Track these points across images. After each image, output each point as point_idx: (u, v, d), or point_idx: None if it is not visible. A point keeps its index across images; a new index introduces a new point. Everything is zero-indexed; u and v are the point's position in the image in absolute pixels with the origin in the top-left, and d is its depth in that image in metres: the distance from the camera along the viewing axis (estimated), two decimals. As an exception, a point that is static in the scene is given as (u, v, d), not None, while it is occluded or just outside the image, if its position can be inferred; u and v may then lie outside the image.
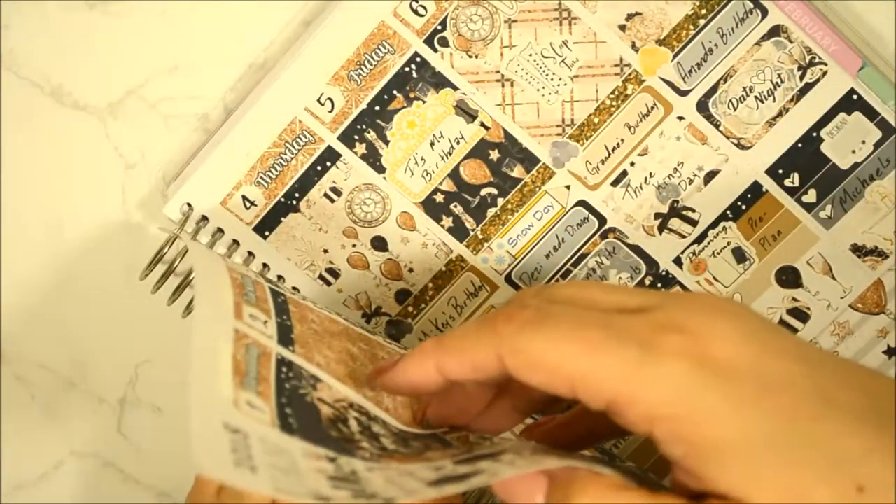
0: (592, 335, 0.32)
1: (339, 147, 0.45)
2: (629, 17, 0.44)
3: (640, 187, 0.45)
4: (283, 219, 0.45)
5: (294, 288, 0.46)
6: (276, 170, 0.45)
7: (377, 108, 0.44)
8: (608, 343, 0.31)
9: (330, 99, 0.44)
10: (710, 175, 0.45)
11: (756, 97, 0.45)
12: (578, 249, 0.46)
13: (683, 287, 0.46)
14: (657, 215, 0.46)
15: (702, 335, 0.31)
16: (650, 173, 0.45)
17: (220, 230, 0.45)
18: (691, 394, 0.30)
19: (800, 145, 0.45)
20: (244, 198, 0.45)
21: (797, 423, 0.30)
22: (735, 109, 0.45)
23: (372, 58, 0.44)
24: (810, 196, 0.46)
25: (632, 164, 0.45)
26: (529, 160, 0.45)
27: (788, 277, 0.46)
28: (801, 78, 0.44)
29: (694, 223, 0.46)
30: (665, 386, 0.30)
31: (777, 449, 0.30)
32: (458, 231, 0.46)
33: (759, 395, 0.30)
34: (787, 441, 0.30)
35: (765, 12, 0.44)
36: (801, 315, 0.47)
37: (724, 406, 0.30)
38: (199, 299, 0.34)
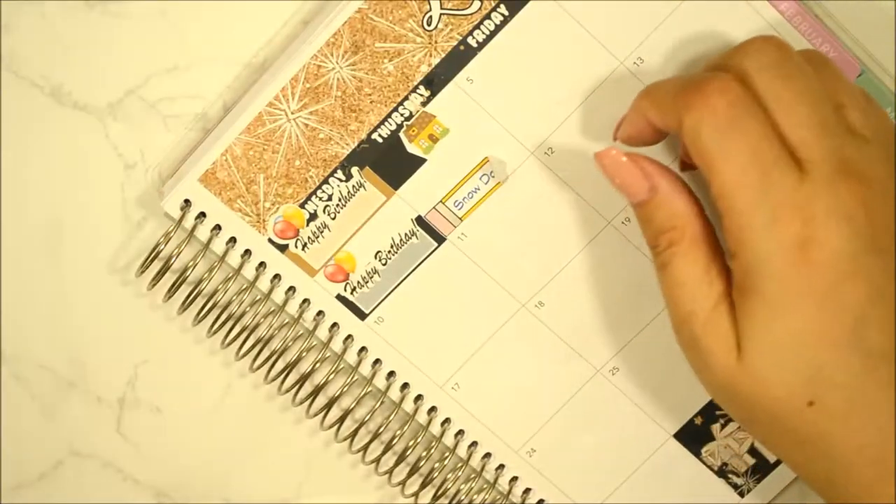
0: (765, 160, 0.35)
1: (338, 145, 0.45)
2: None
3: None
4: (281, 217, 0.46)
5: (291, 287, 0.46)
6: (274, 168, 0.45)
7: (375, 106, 0.45)
8: (768, 177, 0.35)
9: (327, 97, 0.44)
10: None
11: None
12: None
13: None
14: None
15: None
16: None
17: (217, 227, 0.45)
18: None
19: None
20: (242, 196, 0.45)
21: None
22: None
23: (369, 55, 0.44)
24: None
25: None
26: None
27: None
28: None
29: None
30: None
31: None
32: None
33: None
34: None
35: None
36: None
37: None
38: None
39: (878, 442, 0.35)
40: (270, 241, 0.46)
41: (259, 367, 0.47)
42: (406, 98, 0.44)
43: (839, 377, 0.35)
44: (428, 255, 0.46)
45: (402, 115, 0.44)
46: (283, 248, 0.46)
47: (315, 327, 0.47)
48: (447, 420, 0.48)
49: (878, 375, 0.35)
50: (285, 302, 0.46)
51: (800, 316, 0.35)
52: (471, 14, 0.43)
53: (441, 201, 0.45)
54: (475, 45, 0.44)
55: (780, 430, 0.37)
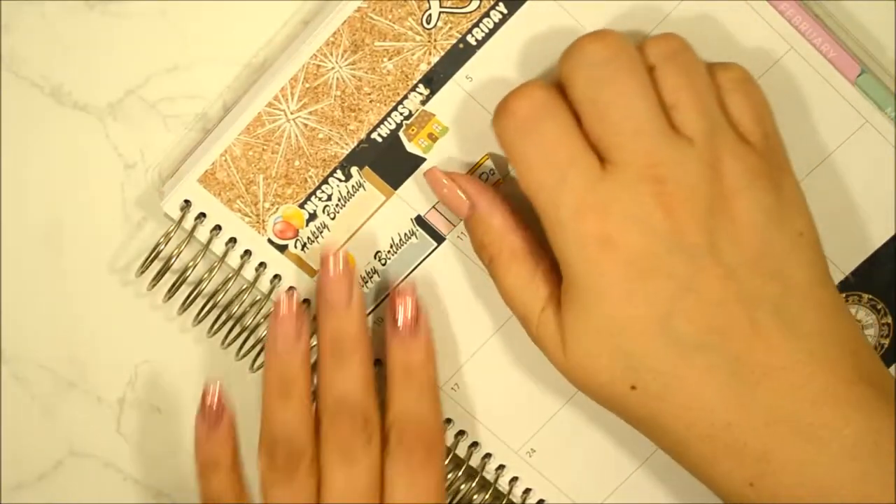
0: (560, 160, 0.37)
1: (337, 145, 0.45)
2: None
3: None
4: (280, 216, 0.46)
5: (291, 287, 0.46)
6: (273, 167, 0.45)
7: (374, 105, 0.45)
8: (565, 176, 0.37)
9: (327, 96, 0.45)
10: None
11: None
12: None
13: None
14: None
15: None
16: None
17: (217, 227, 0.45)
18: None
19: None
20: (242, 195, 0.45)
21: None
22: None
23: (369, 55, 0.44)
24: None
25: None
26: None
27: None
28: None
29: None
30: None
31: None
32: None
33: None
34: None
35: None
36: None
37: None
38: None
39: (706, 420, 0.38)
40: (270, 241, 0.46)
41: (259, 368, 0.47)
42: (405, 97, 0.44)
43: (654, 364, 0.37)
44: (428, 255, 0.46)
45: (401, 114, 0.44)
46: (282, 249, 0.46)
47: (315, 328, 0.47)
48: (448, 421, 0.48)
49: (694, 363, 0.37)
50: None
51: (608, 306, 0.37)
52: (470, 12, 0.43)
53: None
54: (474, 43, 0.44)
55: (619, 411, 0.40)
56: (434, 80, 0.44)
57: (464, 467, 0.48)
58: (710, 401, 0.37)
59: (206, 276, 0.46)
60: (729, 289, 0.37)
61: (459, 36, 0.44)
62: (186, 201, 0.45)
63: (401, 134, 0.45)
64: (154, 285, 0.46)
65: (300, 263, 0.46)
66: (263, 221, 0.45)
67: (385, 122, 0.44)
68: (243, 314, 0.47)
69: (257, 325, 0.47)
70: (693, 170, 0.37)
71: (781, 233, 0.38)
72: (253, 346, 0.47)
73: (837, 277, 0.46)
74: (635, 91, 0.37)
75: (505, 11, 0.43)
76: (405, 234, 0.46)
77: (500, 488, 0.49)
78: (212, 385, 0.44)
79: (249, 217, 0.45)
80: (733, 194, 0.37)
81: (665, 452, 0.41)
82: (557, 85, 0.39)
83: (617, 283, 0.37)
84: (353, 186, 0.45)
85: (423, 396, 0.43)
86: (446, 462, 0.48)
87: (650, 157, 0.36)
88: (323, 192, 0.45)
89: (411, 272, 0.46)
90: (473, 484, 0.49)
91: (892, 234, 0.46)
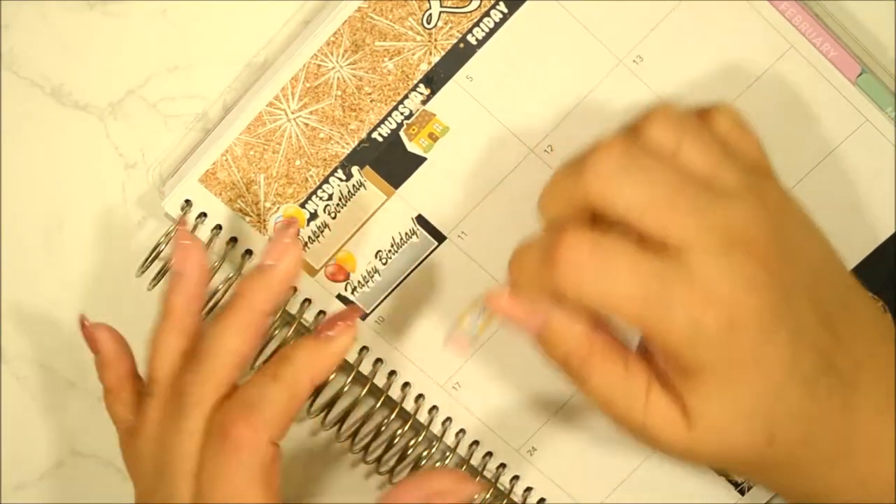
0: (643, 277, 0.35)
1: (338, 144, 0.45)
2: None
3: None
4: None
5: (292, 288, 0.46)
6: (274, 167, 0.45)
7: (375, 104, 0.45)
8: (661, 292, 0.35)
9: (327, 95, 0.45)
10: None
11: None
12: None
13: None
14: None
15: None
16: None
17: (218, 227, 0.45)
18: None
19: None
20: (243, 195, 0.45)
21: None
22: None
23: (369, 54, 0.44)
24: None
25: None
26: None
27: None
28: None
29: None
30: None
31: None
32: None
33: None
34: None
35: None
36: None
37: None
38: None
39: (845, 452, 0.37)
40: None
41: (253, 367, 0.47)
42: (406, 97, 0.44)
43: (791, 415, 0.37)
44: (428, 254, 0.46)
45: (402, 113, 0.44)
46: (283, 248, 0.46)
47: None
48: (448, 419, 0.48)
49: (827, 400, 0.37)
50: (286, 302, 0.46)
51: (744, 383, 0.36)
52: (470, 12, 0.43)
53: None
54: (475, 42, 0.44)
55: (749, 467, 0.39)
56: (434, 79, 0.44)
57: (464, 466, 0.48)
58: (850, 434, 0.37)
59: (206, 275, 0.46)
60: (817, 315, 0.37)
61: (460, 36, 0.44)
62: (187, 201, 0.45)
63: (401, 133, 0.45)
64: (154, 285, 0.46)
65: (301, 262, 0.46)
66: (264, 221, 0.45)
67: (386, 122, 0.44)
68: (244, 314, 0.47)
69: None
70: (753, 216, 0.36)
71: (820, 243, 0.39)
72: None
73: (837, 276, 0.46)
74: (661, 178, 0.35)
75: (505, 11, 0.43)
76: (406, 234, 0.46)
77: (502, 487, 0.49)
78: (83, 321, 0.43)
79: (250, 216, 0.45)
80: (785, 221, 0.37)
81: (790, 496, 0.41)
82: (582, 210, 0.37)
83: (748, 354, 0.36)
84: (353, 186, 0.45)
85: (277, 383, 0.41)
86: (447, 461, 0.48)
87: (713, 226, 0.35)
88: (324, 191, 0.45)
89: (412, 271, 0.46)
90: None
91: (892, 232, 0.46)
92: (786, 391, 0.36)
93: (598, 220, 0.36)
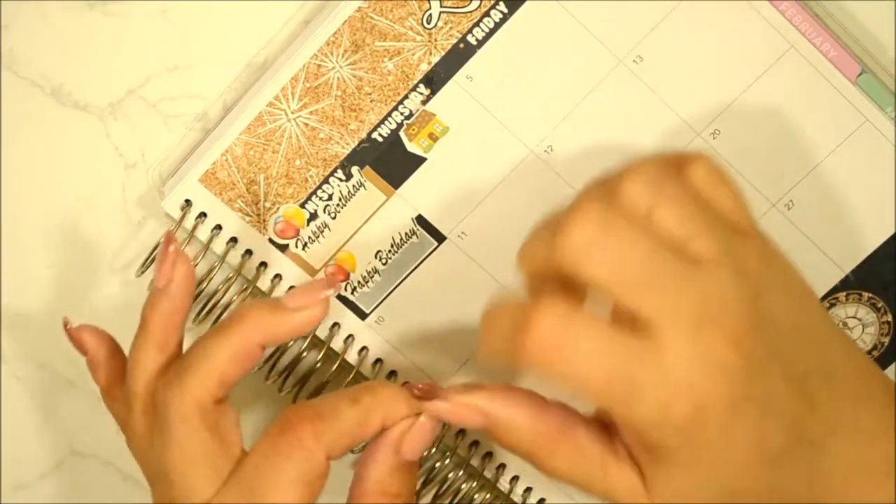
0: (613, 356, 0.35)
1: (338, 144, 0.45)
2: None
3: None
4: (281, 216, 0.46)
5: (292, 287, 0.46)
6: (274, 167, 0.45)
7: (375, 105, 0.45)
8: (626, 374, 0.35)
9: (328, 96, 0.45)
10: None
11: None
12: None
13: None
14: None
15: None
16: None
17: (218, 227, 0.45)
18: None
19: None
20: (243, 195, 0.45)
21: None
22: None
23: (369, 54, 0.44)
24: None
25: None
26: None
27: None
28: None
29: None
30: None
31: None
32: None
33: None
34: None
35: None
36: None
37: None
38: None
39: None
40: (271, 240, 0.46)
41: (259, 367, 0.47)
42: (406, 97, 0.44)
43: (754, 491, 0.36)
44: (428, 254, 0.46)
45: (402, 113, 0.44)
46: (283, 248, 0.46)
47: (315, 328, 0.47)
48: (448, 420, 0.48)
49: (792, 470, 0.36)
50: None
51: (708, 464, 0.36)
52: (470, 12, 0.43)
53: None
54: (475, 42, 0.44)
55: None
56: (434, 79, 0.44)
57: (465, 466, 0.48)
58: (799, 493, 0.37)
59: (206, 276, 0.46)
60: (790, 385, 0.36)
61: (460, 36, 0.44)
62: (187, 201, 0.45)
63: (401, 134, 0.45)
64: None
65: (301, 263, 0.46)
66: (264, 221, 0.45)
67: (386, 122, 0.44)
68: (244, 314, 0.47)
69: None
70: (728, 288, 0.35)
71: (801, 301, 0.38)
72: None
73: (838, 276, 0.46)
74: (632, 252, 0.34)
75: (505, 11, 0.43)
76: (406, 234, 0.46)
77: (501, 487, 0.49)
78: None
79: (250, 216, 0.45)
80: (762, 286, 0.36)
81: None
82: (557, 272, 0.36)
83: (714, 438, 0.35)
84: (353, 186, 0.45)
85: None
86: (447, 461, 0.48)
87: (690, 301, 0.34)
88: (324, 191, 0.45)
89: (412, 271, 0.46)
90: (475, 484, 0.49)
91: (891, 232, 0.46)
92: (750, 469, 0.36)
93: (573, 282, 0.35)
